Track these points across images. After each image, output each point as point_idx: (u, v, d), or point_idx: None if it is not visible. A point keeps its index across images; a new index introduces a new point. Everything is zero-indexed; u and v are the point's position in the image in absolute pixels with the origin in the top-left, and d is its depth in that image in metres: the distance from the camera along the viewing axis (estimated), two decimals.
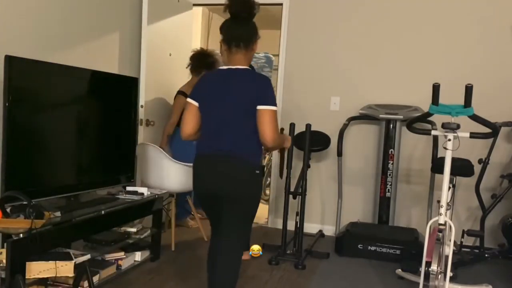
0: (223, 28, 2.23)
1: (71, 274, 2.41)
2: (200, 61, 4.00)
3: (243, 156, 2.17)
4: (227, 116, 2.17)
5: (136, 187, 3.32)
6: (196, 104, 2.24)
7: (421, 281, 2.66)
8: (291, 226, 4.40)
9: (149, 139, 4.09)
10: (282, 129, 4.40)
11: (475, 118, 2.63)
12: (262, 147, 2.23)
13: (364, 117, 4.14)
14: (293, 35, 4.43)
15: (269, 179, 5.87)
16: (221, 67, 2.28)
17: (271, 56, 5.79)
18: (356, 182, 4.36)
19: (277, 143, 2.18)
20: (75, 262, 2.43)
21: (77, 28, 3.43)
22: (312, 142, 3.92)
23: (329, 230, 4.42)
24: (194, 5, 4.68)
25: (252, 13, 2.22)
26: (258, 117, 2.13)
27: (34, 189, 2.58)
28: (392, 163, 3.97)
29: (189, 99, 2.27)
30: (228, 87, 2.18)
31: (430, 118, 3.70)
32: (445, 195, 2.64)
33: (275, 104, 2.15)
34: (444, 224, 2.62)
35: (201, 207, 2.39)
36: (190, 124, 2.26)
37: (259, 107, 2.12)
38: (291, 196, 3.85)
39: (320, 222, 4.48)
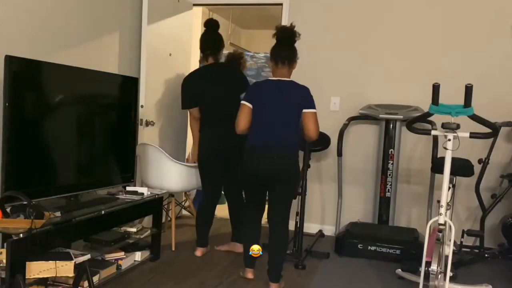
0: (273, 50, 2.99)
1: (71, 274, 2.42)
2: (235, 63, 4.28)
3: (291, 148, 2.88)
4: (279, 116, 2.85)
5: (136, 187, 3.33)
6: (250, 106, 2.90)
7: (421, 281, 2.66)
8: (291, 226, 4.39)
9: (149, 139, 4.09)
10: None
11: (475, 118, 2.63)
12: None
13: (364, 117, 4.14)
14: None
15: None
16: (270, 78, 2.99)
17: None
18: (356, 182, 4.36)
19: (317, 137, 2.97)
20: (75, 262, 2.43)
21: (77, 28, 3.43)
22: (312, 142, 3.92)
23: (329, 230, 4.42)
24: (194, 5, 4.68)
25: (294, 40, 2.97)
26: (304, 117, 2.87)
27: (34, 189, 2.58)
28: (392, 163, 3.97)
29: (244, 102, 2.92)
30: (279, 94, 2.87)
31: (430, 118, 3.70)
32: (445, 195, 2.64)
33: (315, 107, 2.92)
34: (444, 224, 2.62)
35: (246, 187, 3.08)
36: (244, 121, 2.93)
37: (305, 110, 2.87)
38: None
39: (320, 222, 4.48)
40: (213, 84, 3.52)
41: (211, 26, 3.66)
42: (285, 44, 2.95)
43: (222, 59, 3.87)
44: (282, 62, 2.93)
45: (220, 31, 3.75)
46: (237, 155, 3.19)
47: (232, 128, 2.99)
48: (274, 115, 2.86)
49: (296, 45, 3.03)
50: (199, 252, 3.58)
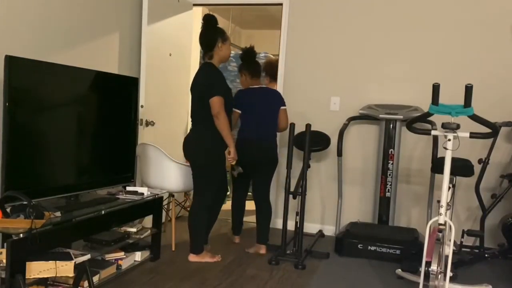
0: (244, 67, 3.84)
1: (71, 274, 2.41)
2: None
3: (273, 139, 3.73)
4: (263, 114, 3.68)
5: (136, 187, 3.33)
6: (239, 111, 3.71)
7: (421, 281, 2.66)
8: (291, 226, 4.40)
9: (149, 139, 4.09)
10: None
11: (475, 118, 2.63)
12: None
13: (364, 117, 4.14)
14: (293, 35, 4.43)
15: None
16: (251, 87, 3.78)
17: (271, 56, 5.78)
18: (356, 182, 4.36)
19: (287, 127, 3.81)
20: (75, 262, 2.43)
21: (77, 28, 3.43)
22: (312, 142, 3.92)
23: (329, 230, 4.42)
24: (194, 5, 4.69)
25: (255, 57, 3.89)
26: (280, 113, 3.74)
27: (34, 189, 2.58)
28: (392, 163, 3.97)
29: (234, 109, 3.68)
30: (261, 98, 3.71)
31: (430, 118, 3.71)
32: (445, 195, 2.64)
33: (286, 105, 3.82)
34: (444, 224, 2.62)
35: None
36: (234, 122, 3.67)
37: (281, 107, 3.75)
38: (291, 196, 3.85)
39: (320, 222, 4.48)
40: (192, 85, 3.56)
41: (204, 22, 3.43)
42: (252, 62, 3.81)
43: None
44: (256, 76, 3.82)
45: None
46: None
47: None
48: (260, 114, 3.67)
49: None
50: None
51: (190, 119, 3.48)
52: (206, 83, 3.30)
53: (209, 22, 3.42)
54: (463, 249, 3.84)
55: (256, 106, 3.67)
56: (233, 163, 3.49)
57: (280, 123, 3.75)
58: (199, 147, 3.34)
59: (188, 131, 4.10)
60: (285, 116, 3.75)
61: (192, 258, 3.43)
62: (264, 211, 3.76)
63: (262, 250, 3.72)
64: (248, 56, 3.82)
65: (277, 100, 3.74)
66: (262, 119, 3.67)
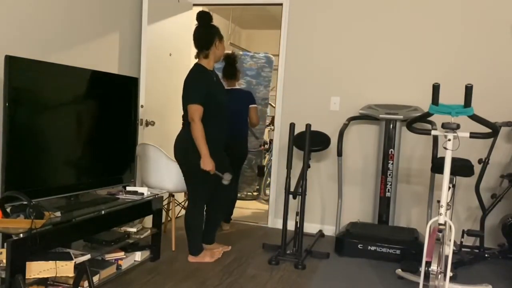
0: (222, 71, 4.23)
1: (71, 274, 2.42)
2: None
3: (245, 134, 4.22)
4: (235, 114, 4.12)
5: (136, 187, 3.33)
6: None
7: (421, 281, 2.67)
8: (291, 226, 4.40)
9: (149, 139, 4.09)
10: None
11: (475, 118, 2.63)
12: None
13: (364, 117, 4.14)
14: (293, 35, 4.44)
15: (269, 179, 5.88)
16: (226, 88, 4.09)
17: (271, 56, 5.79)
18: (356, 182, 4.36)
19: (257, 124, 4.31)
20: (75, 262, 2.43)
21: (77, 28, 3.43)
22: (312, 142, 3.92)
23: (329, 230, 4.42)
24: (194, 5, 4.69)
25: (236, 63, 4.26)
26: (250, 111, 4.20)
27: (34, 189, 2.58)
28: (392, 163, 3.97)
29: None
30: (232, 98, 4.09)
31: (430, 118, 3.71)
32: (445, 195, 2.64)
33: (256, 104, 4.26)
34: (444, 224, 2.62)
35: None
36: None
37: (250, 106, 4.20)
38: (291, 196, 3.85)
39: (320, 222, 4.48)
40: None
41: (198, 20, 3.34)
42: (231, 65, 4.16)
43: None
44: (232, 78, 4.20)
45: (220, 31, 3.65)
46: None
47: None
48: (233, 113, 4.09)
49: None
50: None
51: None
52: (185, 88, 3.26)
53: (204, 19, 3.30)
54: (463, 249, 3.84)
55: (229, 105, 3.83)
56: (212, 172, 3.25)
57: (250, 118, 4.20)
58: (182, 150, 3.30)
59: None
60: (255, 113, 4.19)
61: (191, 259, 3.44)
62: (231, 199, 4.33)
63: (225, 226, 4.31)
64: (226, 60, 4.17)
65: (249, 98, 4.18)
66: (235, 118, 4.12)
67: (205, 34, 3.29)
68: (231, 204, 4.43)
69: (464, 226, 4.09)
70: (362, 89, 4.29)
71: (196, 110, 3.18)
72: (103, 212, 2.79)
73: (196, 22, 3.35)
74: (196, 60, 3.39)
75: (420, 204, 4.20)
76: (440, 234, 2.56)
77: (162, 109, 4.28)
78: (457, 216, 4.12)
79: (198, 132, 3.17)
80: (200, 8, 5.32)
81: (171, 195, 3.82)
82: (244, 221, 4.75)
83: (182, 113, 3.35)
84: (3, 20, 2.80)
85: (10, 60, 2.39)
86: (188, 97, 3.23)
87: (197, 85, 3.23)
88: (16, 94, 2.43)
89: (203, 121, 3.23)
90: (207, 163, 3.20)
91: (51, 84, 2.67)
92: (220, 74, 4.02)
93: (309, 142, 3.64)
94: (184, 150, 3.28)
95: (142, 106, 3.99)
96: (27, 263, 2.25)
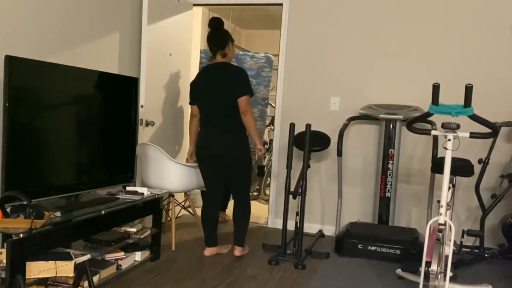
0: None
1: (71, 274, 2.42)
2: None
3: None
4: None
5: (136, 187, 3.33)
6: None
7: (421, 281, 2.67)
8: (291, 226, 4.40)
9: (149, 139, 4.09)
10: None
11: (475, 118, 2.63)
12: None
13: (364, 117, 4.14)
14: (293, 35, 4.44)
15: (269, 179, 5.88)
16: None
17: (271, 56, 5.79)
18: (356, 182, 4.36)
19: None
20: (75, 262, 2.43)
21: (77, 28, 3.43)
22: (312, 142, 3.92)
23: (329, 230, 4.42)
24: (194, 5, 4.69)
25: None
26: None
27: (34, 189, 2.58)
28: (392, 163, 3.97)
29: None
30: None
31: (430, 118, 3.71)
32: (445, 195, 2.64)
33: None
34: (444, 224, 2.62)
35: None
36: None
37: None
38: (291, 196, 3.85)
39: (320, 222, 4.48)
40: (209, 84, 3.49)
41: (214, 24, 3.58)
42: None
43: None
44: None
45: None
46: (231, 158, 3.46)
47: (225, 128, 3.41)
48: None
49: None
50: (206, 252, 3.61)
51: (189, 119, 3.48)
52: (240, 81, 3.41)
53: (219, 24, 3.58)
54: (463, 249, 3.84)
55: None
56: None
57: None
58: (242, 146, 3.47)
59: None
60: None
61: (241, 251, 3.63)
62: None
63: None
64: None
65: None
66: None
67: (222, 34, 3.52)
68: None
69: (464, 226, 4.09)
70: (362, 89, 4.29)
71: (249, 101, 3.41)
72: (103, 212, 2.79)
73: (212, 26, 3.58)
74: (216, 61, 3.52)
75: (420, 204, 4.20)
76: (440, 234, 2.56)
77: (162, 109, 4.28)
78: (457, 216, 4.12)
79: (254, 121, 3.42)
80: (200, 8, 5.33)
81: (171, 195, 3.82)
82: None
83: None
84: (3, 20, 2.80)
85: (10, 60, 2.39)
86: (245, 89, 3.39)
87: (248, 79, 3.48)
88: (16, 94, 2.43)
89: (238, 115, 3.44)
90: (263, 149, 3.54)
91: (51, 84, 2.67)
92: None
93: (309, 142, 3.64)
94: (244, 146, 3.46)
95: (142, 106, 3.99)
96: (27, 263, 2.25)
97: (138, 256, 3.24)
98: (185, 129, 4.72)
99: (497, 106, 3.95)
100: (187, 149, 4.79)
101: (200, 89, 3.48)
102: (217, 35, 3.51)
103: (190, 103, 3.59)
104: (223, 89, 3.39)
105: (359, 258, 3.71)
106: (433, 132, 2.81)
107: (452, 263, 3.51)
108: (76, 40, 3.43)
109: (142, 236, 3.21)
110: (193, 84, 3.55)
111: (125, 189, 3.31)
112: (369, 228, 3.91)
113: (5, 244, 2.16)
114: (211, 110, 3.43)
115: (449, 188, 2.87)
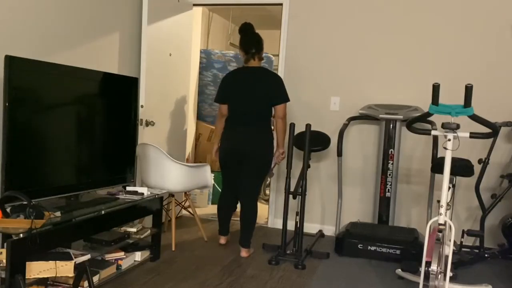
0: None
1: (71, 274, 2.41)
2: None
3: None
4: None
5: (136, 187, 3.33)
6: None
7: (421, 281, 2.67)
8: (291, 226, 4.40)
9: (149, 139, 4.09)
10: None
11: (475, 118, 2.63)
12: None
13: (364, 117, 4.14)
14: (293, 35, 4.44)
15: (269, 179, 5.88)
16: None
17: (271, 56, 5.79)
18: (356, 182, 4.36)
19: None
20: (75, 262, 2.43)
21: (77, 28, 3.43)
22: (312, 142, 3.92)
23: (329, 230, 4.42)
24: (194, 5, 4.69)
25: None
26: None
27: (34, 189, 2.58)
28: (392, 163, 3.97)
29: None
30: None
31: (430, 118, 3.71)
32: (445, 195, 2.64)
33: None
34: (444, 224, 2.62)
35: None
36: None
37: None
38: (291, 196, 3.85)
39: (320, 222, 4.48)
40: (247, 85, 3.56)
41: (250, 29, 3.72)
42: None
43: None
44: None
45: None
46: (251, 157, 3.58)
47: (255, 128, 3.54)
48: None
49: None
50: (222, 240, 3.87)
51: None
52: (278, 87, 3.55)
53: (252, 28, 3.72)
54: (463, 249, 3.84)
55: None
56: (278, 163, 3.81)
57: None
58: (267, 145, 3.60)
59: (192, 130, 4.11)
60: None
61: (248, 252, 3.66)
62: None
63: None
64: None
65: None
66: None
67: (259, 37, 3.65)
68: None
69: (464, 226, 4.09)
70: (362, 89, 4.29)
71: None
72: (103, 212, 2.79)
73: (247, 30, 3.71)
74: (251, 64, 3.62)
75: (420, 204, 4.20)
76: (440, 234, 2.56)
77: (162, 109, 4.28)
78: (457, 216, 4.12)
79: (286, 127, 3.64)
80: (200, 8, 5.33)
81: (171, 195, 3.82)
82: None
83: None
84: (3, 20, 2.80)
85: (10, 60, 2.39)
86: (286, 96, 3.57)
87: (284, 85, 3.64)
88: (16, 94, 2.43)
89: (267, 119, 3.61)
90: (285, 154, 3.70)
91: (51, 84, 2.67)
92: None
93: (309, 142, 3.64)
94: (269, 146, 3.58)
95: (142, 106, 3.99)
96: (27, 263, 2.25)
97: (138, 256, 3.24)
98: (185, 129, 4.72)
99: (497, 106, 3.95)
100: (187, 149, 4.80)
101: (235, 89, 3.57)
102: (256, 38, 3.63)
103: (221, 102, 3.67)
104: (260, 93, 3.51)
105: (359, 258, 3.71)
106: (433, 132, 2.81)
107: (452, 263, 3.51)
108: (76, 40, 3.43)
109: (142, 236, 3.21)
110: (227, 84, 3.63)
111: (125, 189, 3.31)
112: (369, 228, 3.91)
113: (5, 244, 2.15)
114: (243, 110, 3.54)
115: (449, 188, 2.87)
